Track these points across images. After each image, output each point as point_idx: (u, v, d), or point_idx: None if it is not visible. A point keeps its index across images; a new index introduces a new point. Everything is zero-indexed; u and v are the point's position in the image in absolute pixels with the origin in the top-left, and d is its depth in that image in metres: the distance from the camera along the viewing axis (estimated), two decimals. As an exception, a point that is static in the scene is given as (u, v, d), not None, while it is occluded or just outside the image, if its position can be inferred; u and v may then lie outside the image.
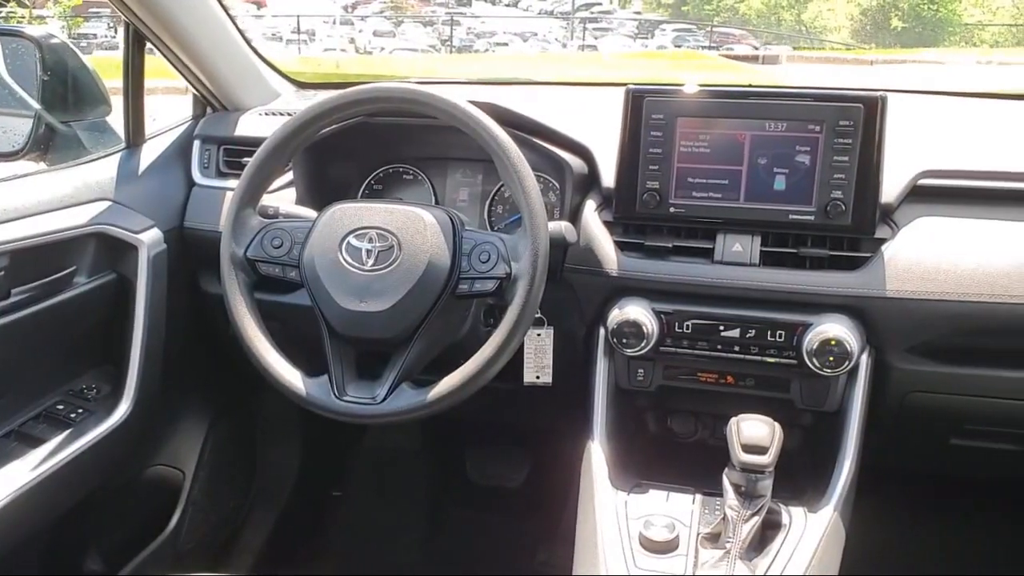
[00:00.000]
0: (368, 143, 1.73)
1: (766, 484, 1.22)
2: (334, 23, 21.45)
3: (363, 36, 23.25)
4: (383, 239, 1.33)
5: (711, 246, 1.46)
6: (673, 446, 1.62)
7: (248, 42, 1.90)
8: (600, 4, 32.89)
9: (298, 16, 20.82)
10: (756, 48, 20.77)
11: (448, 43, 23.31)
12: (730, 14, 27.35)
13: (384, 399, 1.30)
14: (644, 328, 1.42)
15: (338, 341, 1.34)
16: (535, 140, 1.56)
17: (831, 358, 1.35)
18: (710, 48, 21.57)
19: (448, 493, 2.41)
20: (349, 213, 1.36)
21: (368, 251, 1.32)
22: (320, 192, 1.70)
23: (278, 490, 2.29)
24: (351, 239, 1.33)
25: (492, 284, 1.32)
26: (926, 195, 1.44)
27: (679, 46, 22.85)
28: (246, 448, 2.24)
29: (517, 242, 1.31)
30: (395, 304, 1.29)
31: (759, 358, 1.43)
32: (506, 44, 23.55)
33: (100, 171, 1.69)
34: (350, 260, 1.32)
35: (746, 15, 26.65)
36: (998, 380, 1.44)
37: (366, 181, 1.78)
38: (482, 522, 2.34)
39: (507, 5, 33.25)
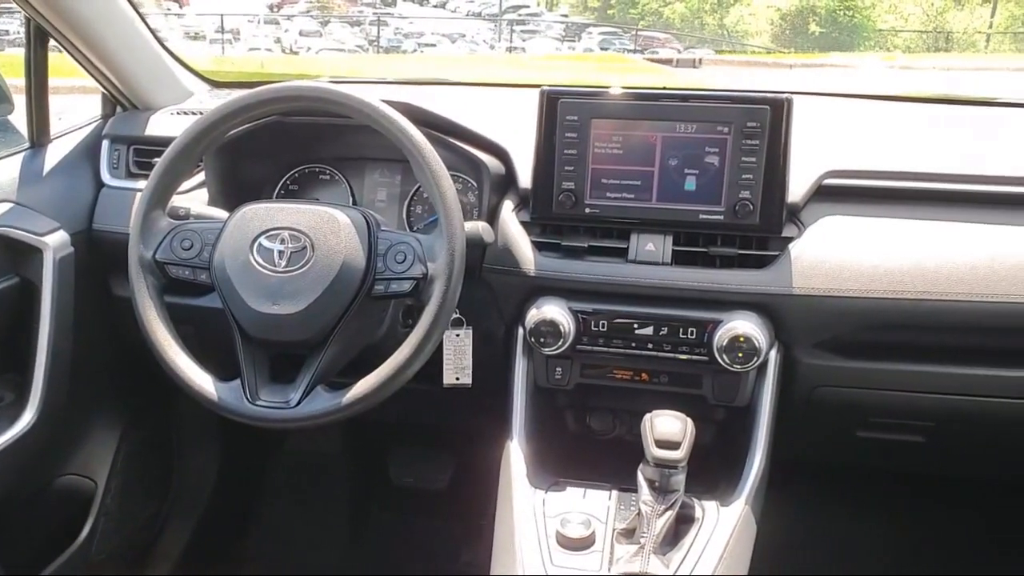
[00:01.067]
0: (283, 143, 1.70)
1: (679, 479, 1.24)
2: (259, 22, 21.06)
3: (289, 36, 22.88)
4: (295, 240, 1.31)
5: (625, 246, 1.48)
6: (592, 443, 1.64)
7: (159, 40, 1.86)
8: (527, 7, 33.05)
9: (221, 15, 20.39)
10: (680, 52, 21.10)
11: (376, 43, 23.12)
12: (654, 18, 27.78)
13: (298, 403, 1.28)
14: (561, 327, 1.43)
15: (251, 344, 1.32)
16: (451, 140, 1.56)
17: (740, 354, 1.38)
18: (635, 51, 21.86)
19: (371, 496, 2.39)
20: (260, 214, 1.34)
21: (280, 252, 1.30)
22: (234, 193, 1.67)
23: (197, 497, 2.24)
24: (263, 240, 1.31)
25: (408, 285, 1.31)
26: (831, 195, 1.49)
27: (605, 49, 23.09)
28: (162, 455, 2.18)
29: (433, 242, 1.31)
30: (309, 306, 1.28)
31: (672, 355, 1.45)
32: (434, 45, 23.46)
33: (1, 172, 1.63)
34: (262, 262, 1.30)
35: (670, 19, 27.10)
36: (901, 374, 1.49)
37: (281, 181, 1.76)
38: (406, 525, 2.33)
39: (435, 6, 33.17)
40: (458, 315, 1.50)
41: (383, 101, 1.35)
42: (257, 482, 2.39)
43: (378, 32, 24.05)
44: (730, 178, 1.42)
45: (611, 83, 1.50)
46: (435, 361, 1.49)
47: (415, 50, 22.70)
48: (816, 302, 1.41)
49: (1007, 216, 1.46)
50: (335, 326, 1.30)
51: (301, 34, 22.75)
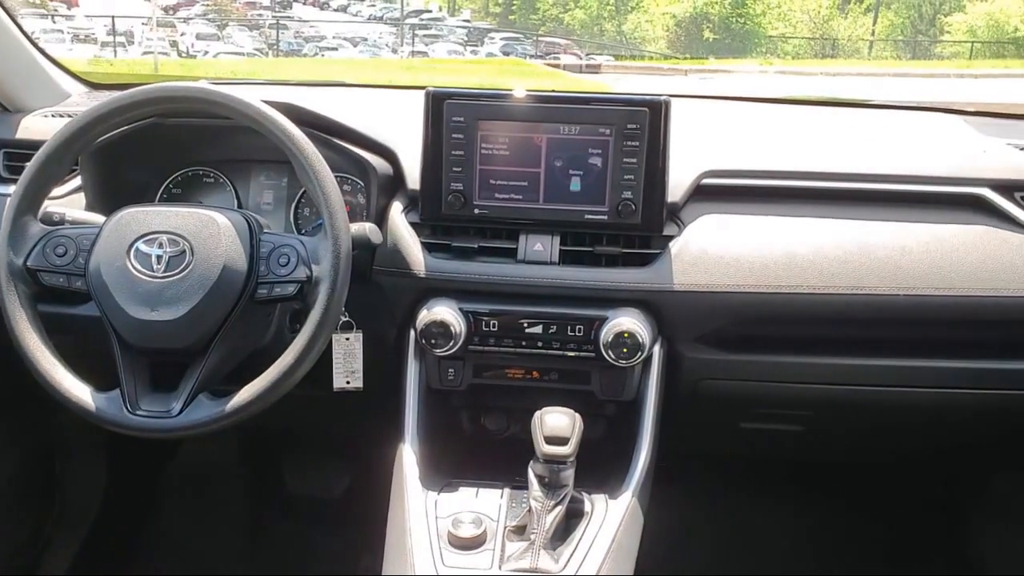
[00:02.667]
0: (164, 146, 1.66)
1: (568, 474, 1.26)
2: (153, 25, 20.38)
3: (186, 39, 22.31)
4: (174, 244, 1.28)
5: (514, 246, 1.50)
6: (488, 443, 1.65)
7: (32, 41, 1.79)
8: (430, 11, 33.05)
9: (112, 17, 19.67)
10: (580, 58, 21.45)
11: (275, 47, 22.70)
12: (555, 24, 28.14)
13: (180, 412, 1.26)
14: (452, 328, 1.44)
15: (130, 353, 1.29)
16: (336, 141, 1.55)
17: (625, 349, 1.41)
18: (536, 57, 22.11)
19: (267, 507, 2.35)
20: (138, 218, 1.31)
21: (158, 257, 1.27)
22: (113, 197, 1.61)
23: (83, 513, 2.15)
24: (140, 245, 1.28)
25: (292, 288, 1.30)
26: (710, 194, 1.54)
27: (507, 54, 23.27)
28: (44, 470, 2.09)
29: (318, 244, 1.30)
30: (189, 312, 1.25)
31: (561, 352, 1.47)
32: (335, 49, 23.23)
33: None
34: (139, 267, 1.27)
35: (570, 25, 27.51)
36: (780, 366, 1.55)
37: (164, 186, 1.71)
38: (303, 534, 2.29)
39: (336, 10, 32.82)
40: (347, 318, 1.48)
41: (264, 101, 1.33)
42: (147, 497, 2.31)
43: (277, 36, 23.63)
44: (613, 179, 1.45)
45: (512, 87, 1.52)
46: (325, 365, 1.47)
47: (316, 54, 22.44)
48: (696, 298, 1.46)
49: (877, 212, 1.53)
50: (217, 332, 1.28)
51: (198, 38, 22.24)
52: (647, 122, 1.42)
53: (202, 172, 1.71)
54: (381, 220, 1.54)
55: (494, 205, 1.49)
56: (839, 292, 1.46)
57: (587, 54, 22.77)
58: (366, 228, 1.38)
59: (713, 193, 1.54)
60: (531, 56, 22.63)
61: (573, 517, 1.29)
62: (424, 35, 26.55)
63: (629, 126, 1.43)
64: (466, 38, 27.17)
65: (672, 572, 1.93)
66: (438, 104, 1.46)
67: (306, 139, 1.30)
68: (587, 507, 1.32)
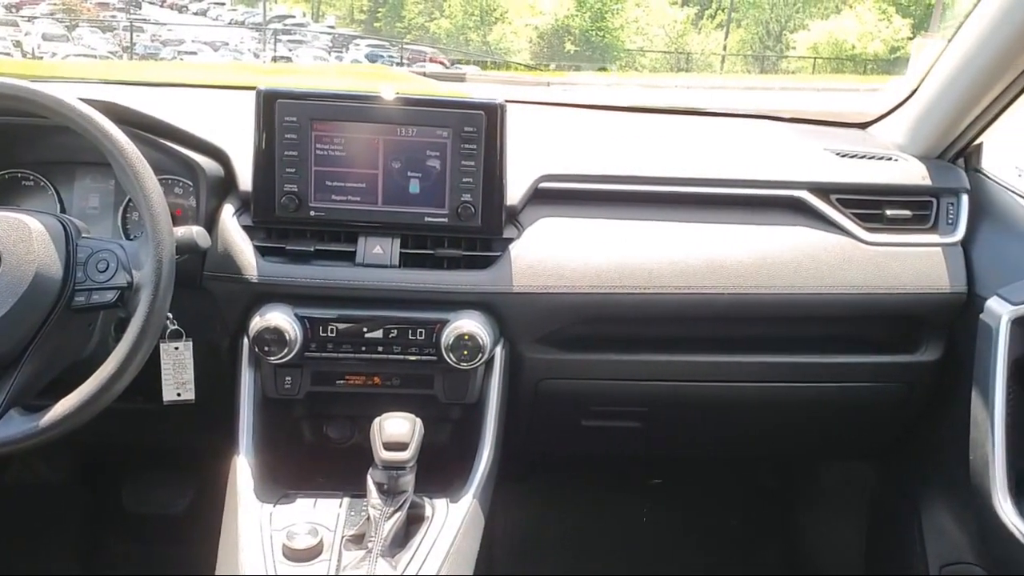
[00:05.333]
0: None
1: (407, 479, 1.25)
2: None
3: (31, 39, 21.00)
4: None
5: (353, 249, 1.47)
6: (331, 452, 1.61)
7: None
8: (293, 17, 32.44)
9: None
10: (446, 66, 21.53)
11: (130, 50, 21.71)
12: (420, 32, 28.16)
13: None
14: (287, 334, 1.39)
15: None
16: (163, 141, 1.49)
17: (465, 352, 1.41)
18: (402, 64, 22.04)
19: (104, 528, 2.22)
20: None
21: None
22: None
23: None
24: None
25: (112, 295, 1.24)
26: (548, 197, 1.56)
27: (373, 61, 23.11)
28: None
29: (139, 249, 1.25)
30: None
31: (402, 357, 1.46)
32: (195, 53, 22.47)
33: None
34: None
35: (436, 34, 27.59)
36: (616, 364, 1.59)
37: None
38: (144, 554, 2.17)
39: (195, 13, 31.78)
40: (176, 326, 1.42)
41: (82, 99, 1.26)
42: None
43: (131, 38, 22.62)
44: (452, 181, 1.45)
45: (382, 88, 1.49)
46: (155, 376, 1.41)
47: (174, 57, 21.63)
48: (534, 299, 1.48)
49: (705, 214, 1.59)
50: (30, 342, 1.21)
51: (45, 38, 21.00)
52: (484, 125, 1.43)
53: (20, 175, 1.60)
54: (212, 223, 1.48)
55: (331, 207, 1.46)
56: (669, 292, 1.50)
57: (453, 63, 22.89)
58: (193, 231, 1.32)
59: (551, 196, 1.56)
60: (397, 63, 22.56)
61: (413, 523, 1.28)
62: (288, 40, 26.06)
63: (466, 129, 1.43)
64: (331, 44, 26.83)
65: (529, 570, 1.95)
66: (269, 103, 1.42)
67: (126, 138, 1.25)
68: (428, 512, 1.31)
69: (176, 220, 1.49)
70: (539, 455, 1.85)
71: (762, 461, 2.25)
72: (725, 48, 26.25)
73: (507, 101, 1.47)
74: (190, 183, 1.56)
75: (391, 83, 1.52)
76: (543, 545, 2.07)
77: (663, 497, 2.29)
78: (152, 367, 1.36)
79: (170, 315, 1.40)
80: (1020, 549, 1.31)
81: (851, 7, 25.53)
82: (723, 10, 27.22)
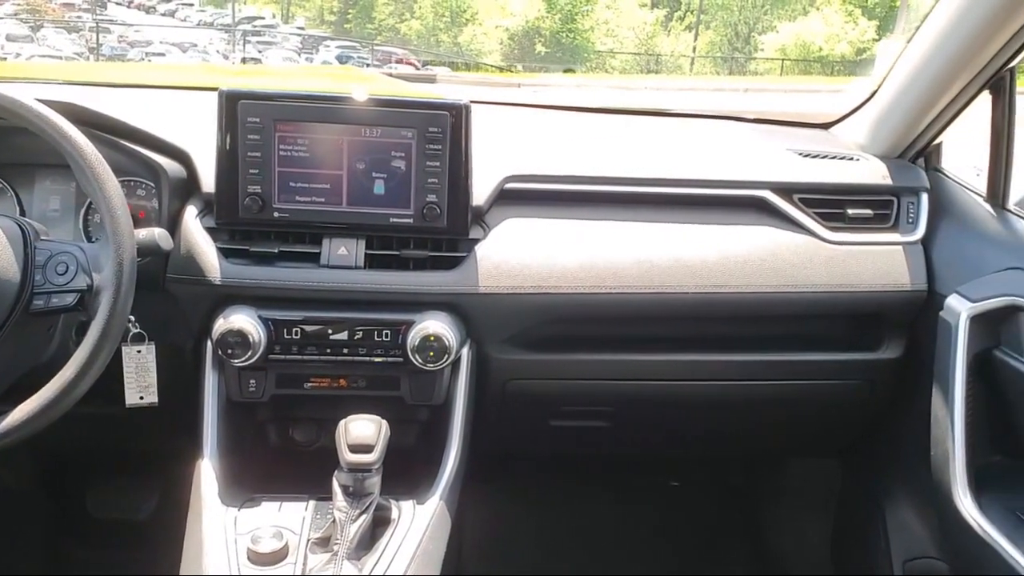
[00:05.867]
0: None
1: (373, 481, 1.24)
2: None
3: (-6, 40, 20.71)
4: None
5: (318, 250, 1.46)
6: (297, 455, 1.60)
7: None
8: (263, 18, 32.24)
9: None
10: (418, 68, 21.50)
11: (97, 51, 21.44)
12: (391, 34, 28.08)
13: None
14: (251, 337, 1.38)
15: None
16: (124, 143, 1.47)
17: (431, 353, 1.41)
18: (373, 66, 21.97)
19: (68, 534, 2.18)
20: None
21: None
22: None
23: None
24: None
25: (72, 298, 1.22)
26: (514, 198, 1.56)
27: (343, 62, 23.02)
28: None
29: (99, 251, 1.23)
30: None
31: (367, 359, 1.45)
32: (163, 55, 22.27)
33: None
34: None
35: (407, 35, 27.53)
36: (582, 363, 1.60)
37: None
38: (109, 560, 2.14)
39: (163, 15, 31.48)
40: (138, 329, 1.41)
41: (39, 100, 1.24)
42: None
43: (97, 39, 22.34)
44: (417, 182, 1.44)
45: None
46: (118, 380, 1.39)
47: (142, 59, 21.41)
48: (500, 299, 1.48)
49: (671, 214, 1.60)
50: None
51: (8, 39, 20.68)
52: (448, 125, 1.43)
53: None
54: (175, 225, 1.47)
55: (295, 208, 1.45)
56: (634, 292, 1.51)
57: (424, 64, 22.87)
58: (155, 233, 1.31)
59: (518, 197, 1.56)
60: (368, 65, 22.49)
61: (380, 525, 1.27)
62: (257, 42, 25.89)
63: (431, 129, 1.43)
64: (301, 46, 26.68)
65: (498, 571, 1.95)
66: (232, 104, 1.41)
67: (85, 139, 1.23)
68: (394, 514, 1.30)
69: (139, 222, 1.47)
70: (508, 455, 1.85)
71: (729, 459, 2.27)
72: (694, 50, 26.46)
73: (475, 102, 1.47)
74: (152, 185, 1.55)
75: (361, 84, 1.52)
76: (513, 545, 2.07)
77: (634, 496, 2.30)
78: (114, 370, 1.34)
79: (132, 318, 1.39)
80: (980, 543, 1.33)
81: (818, 9, 25.85)
82: (692, 12, 27.45)
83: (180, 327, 1.47)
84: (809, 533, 2.09)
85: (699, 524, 2.31)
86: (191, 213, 1.48)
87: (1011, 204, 1.56)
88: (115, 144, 1.45)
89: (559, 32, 24.89)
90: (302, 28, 31.56)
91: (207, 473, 1.36)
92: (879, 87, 1.69)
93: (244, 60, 22.62)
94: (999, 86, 1.51)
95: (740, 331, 1.63)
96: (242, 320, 1.39)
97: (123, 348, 1.39)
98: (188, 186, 1.51)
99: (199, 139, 1.51)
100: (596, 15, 25.92)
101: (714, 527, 2.31)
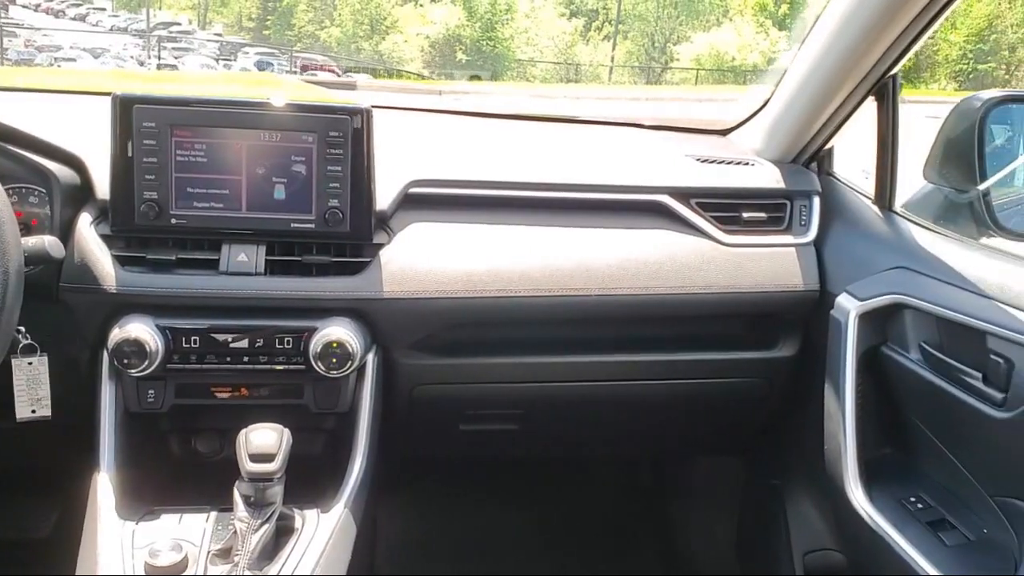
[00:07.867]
0: None
1: (275, 491, 1.22)
2: None
3: None
4: None
5: (217, 257, 1.44)
6: (201, 467, 1.57)
7: None
8: (179, 24, 31.56)
9: None
10: (338, 75, 21.29)
11: (2, 55, 20.65)
12: (311, 41, 27.76)
13: None
14: (147, 346, 1.35)
15: None
16: (12, 148, 1.43)
17: (335, 360, 1.40)
18: (293, 73, 21.70)
19: None
20: None
21: None
22: None
23: None
24: None
25: None
26: (419, 203, 1.56)
27: (263, 69, 22.69)
28: None
29: None
30: None
31: (269, 367, 1.43)
32: (74, 60, 21.58)
33: None
34: None
35: (327, 43, 27.25)
36: (490, 367, 1.61)
37: None
38: None
39: (73, 19, 30.50)
40: (29, 340, 1.36)
41: None
42: None
43: (0, 43, 21.51)
44: (319, 187, 1.43)
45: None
46: (8, 393, 1.36)
47: (51, 64, 20.72)
48: (405, 304, 1.48)
49: (574, 218, 1.62)
50: None
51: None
52: (350, 130, 1.42)
53: None
54: (67, 233, 1.43)
55: (193, 214, 1.42)
56: (539, 294, 1.53)
57: (345, 71, 22.68)
58: (45, 241, 1.27)
59: (422, 202, 1.57)
60: (287, 72, 22.20)
61: (283, 535, 1.26)
62: (173, 48, 25.31)
63: (332, 133, 1.42)
64: (219, 52, 26.19)
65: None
66: (126, 109, 1.38)
67: None
68: (297, 523, 1.29)
69: (32, 230, 1.43)
70: (418, 460, 1.85)
71: (637, 459, 2.31)
72: (612, 59, 26.86)
73: (389, 107, 1.46)
74: (44, 191, 1.50)
75: (280, 91, 1.50)
76: (424, 550, 2.07)
77: (545, 498, 2.32)
78: (5, 383, 1.29)
79: (22, 329, 1.35)
80: (871, 533, 1.38)
81: (731, 20, 26.56)
82: (610, 22, 27.88)
83: (75, 337, 1.43)
84: (716, 531, 2.13)
85: (609, 525, 2.34)
86: (85, 220, 1.44)
87: (897, 206, 1.63)
88: (3, 150, 1.41)
89: (479, 40, 25.00)
90: (220, 35, 31.02)
91: (103, 487, 1.32)
92: (772, 94, 1.74)
93: (160, 66, 22.10)
94: (883, 92, 1.57)
95: (642, 332, 1.66)
96: (138, 329, 1.35)
97: (12, 360, 1.35)
98: (82, 192, 1.47)
99: (94, 145, 1.47)
100: (516, 24, 26.12)
101: (624, 527, 2.34)
